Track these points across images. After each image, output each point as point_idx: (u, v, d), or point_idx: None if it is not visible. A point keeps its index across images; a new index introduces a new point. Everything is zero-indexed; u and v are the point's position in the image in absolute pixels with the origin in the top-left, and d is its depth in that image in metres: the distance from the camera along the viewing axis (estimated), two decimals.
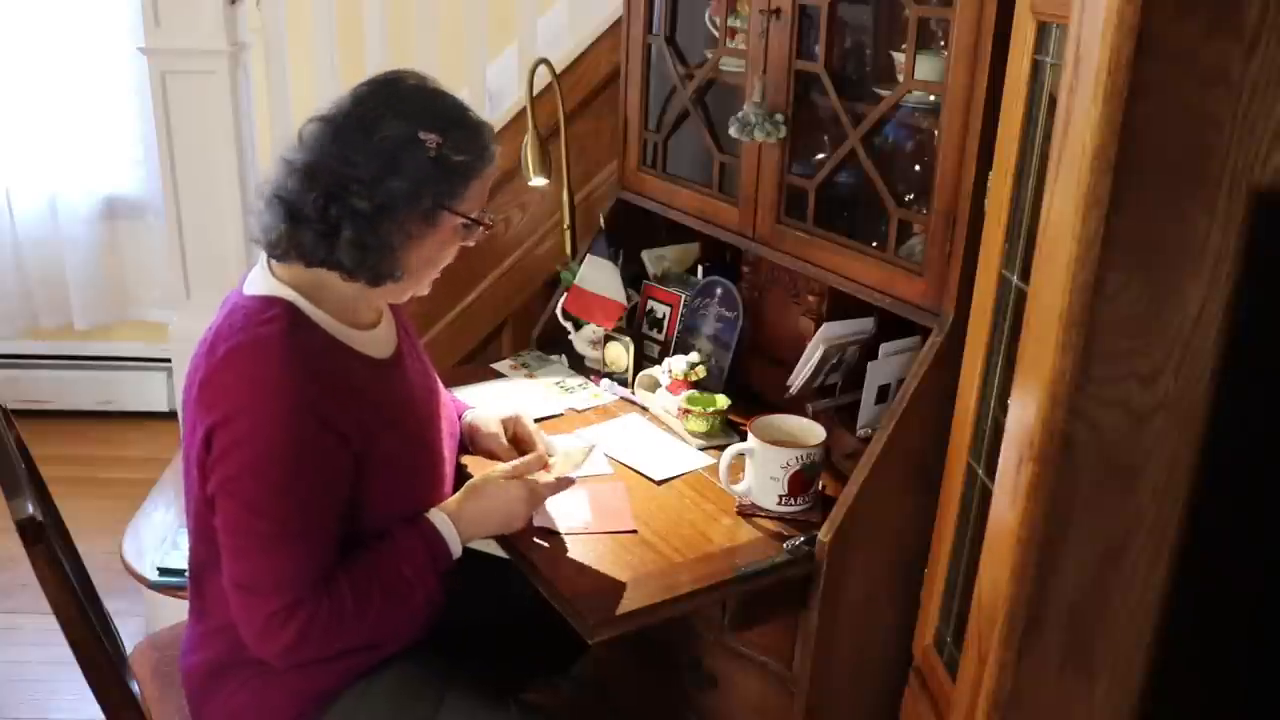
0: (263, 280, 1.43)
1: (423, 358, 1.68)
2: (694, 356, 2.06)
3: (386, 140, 1.37)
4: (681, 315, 2.20)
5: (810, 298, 1.98)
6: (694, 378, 2.04)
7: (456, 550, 1.50)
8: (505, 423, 1.77)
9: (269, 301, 1.40)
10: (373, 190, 1.36)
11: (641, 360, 2.21)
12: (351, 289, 1.44)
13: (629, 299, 2.20)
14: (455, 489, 1.60)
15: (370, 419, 1.41)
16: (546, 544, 1.62)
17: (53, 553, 1.38)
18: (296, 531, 1.34)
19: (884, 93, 1.72)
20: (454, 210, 1.43)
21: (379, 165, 1.36)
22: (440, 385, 1.70)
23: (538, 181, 2.33)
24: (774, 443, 1.69)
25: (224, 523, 1.36)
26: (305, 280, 1.43)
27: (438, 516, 1.49)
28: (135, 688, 1.57)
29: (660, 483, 1.82)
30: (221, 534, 1.37)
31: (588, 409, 2.09)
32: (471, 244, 1.53)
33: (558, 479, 1.61)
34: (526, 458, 1.63)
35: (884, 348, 1.81)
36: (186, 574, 1.55)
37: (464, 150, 1.42)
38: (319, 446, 1.34)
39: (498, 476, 1.56)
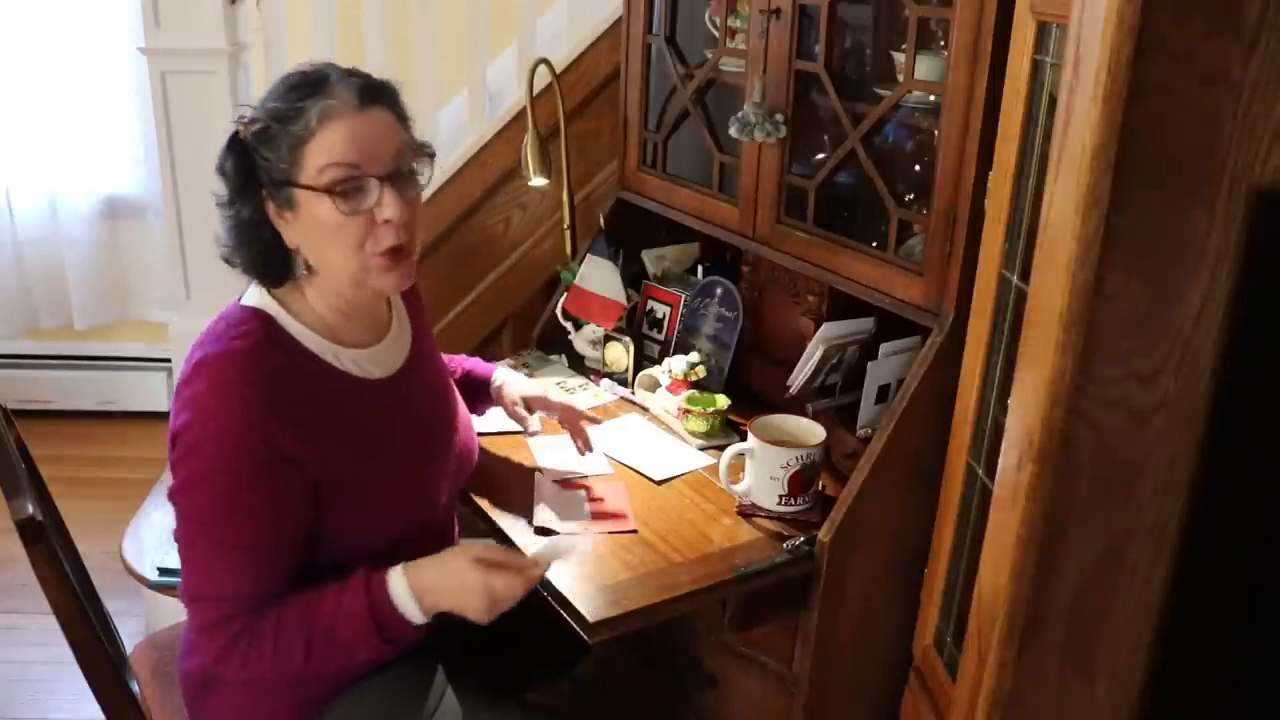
0: (256, 291, 1.41)
1: (439, 370, 1.62)
2: (694, 356, 2.06)
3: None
4: (681, 315, 2.20)
5: (810, 298, 1.98)
6: (694, 378, 2.04)
7: (415, 618, 1.37)
8: (529, 400, 1.82)
9: (249, 314, 1.38)
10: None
11: (641, 360, 2.21)
12: (324, 302, 1.40)
13: (629, 299, 2.20)
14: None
15: (339, 443, 1.37)
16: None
17: (53, 553, 1.38)
18: (237, 549, 1.32)
19: (884, 93, 1.72)
20: (297, 184, 1.31)
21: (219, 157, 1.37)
22: (459, 403, 1.63)
23: (538, 181, 2.33)
24: (774, 443, 1.69)
25: (177, 530, 1.36)
26: (291, 293, 1.40)
27: (398, 583, 1.36)
28: (135, 688, 1.57)
29: (660, 483, 1.82)
30: (176, 539, 1.37)
31: (588, 409, 2.08)
32: (384, 213, 1.33)
33: (526, 579, 1.39)
34: (518, 561, 1.43)
35: (884, 348, 1.81)
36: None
37: (263, 119, 1.32)
38: (267, 469, 1.30)
39: (467, 558, 1.38)
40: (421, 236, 1.44)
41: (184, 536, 1.35)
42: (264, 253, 1.37)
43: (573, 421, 1.84)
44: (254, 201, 1.35)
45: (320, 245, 1.36)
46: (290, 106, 1.31)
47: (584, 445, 1.84)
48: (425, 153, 1.42)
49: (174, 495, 1.34)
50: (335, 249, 1.35)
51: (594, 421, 1.88)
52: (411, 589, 1.36)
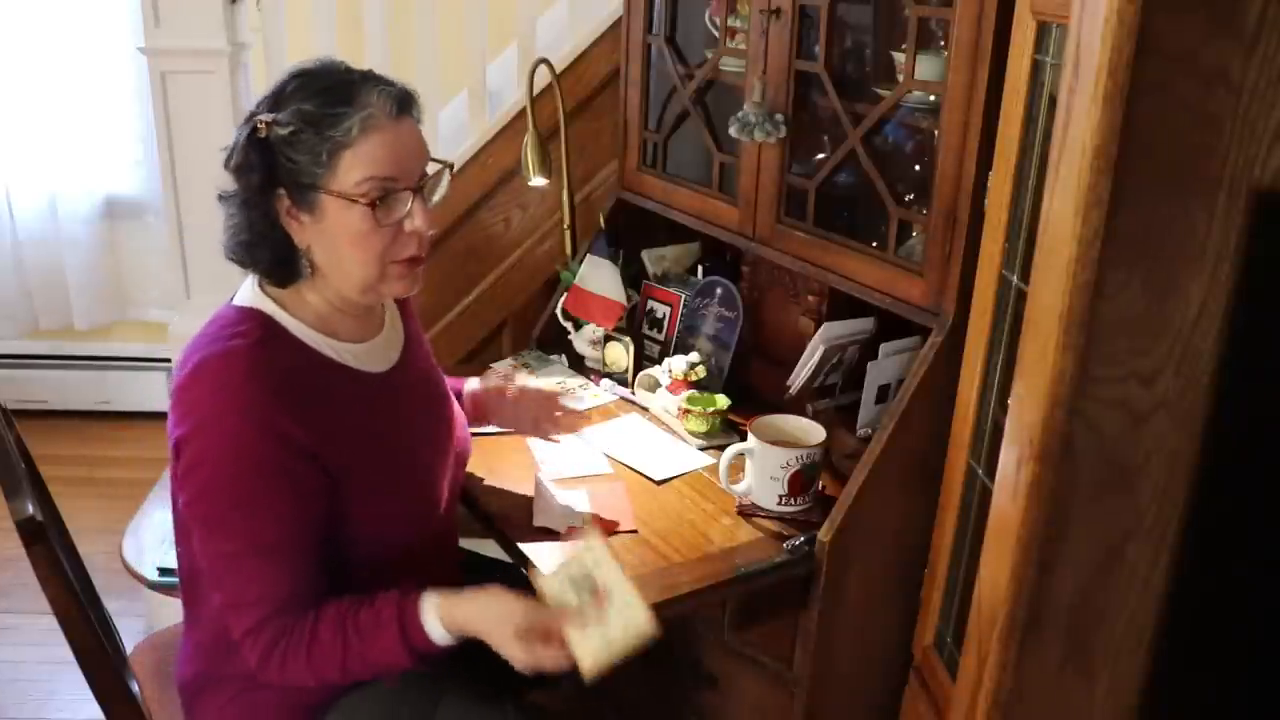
0: (249, 291, 1.41)
1: (432, 369, 1.62)
2: (694, 356, 2.06)
3: (241, 128, 1.35)
4: (681, 315, 2.20)
5: (810, 298, 1.98)
6: (694, 378, 2.04)
7: (444, 643, 1.37)
8: (487, 393, 1.77)
9: (245, 313, 1.38)
10: (230, 179, 1.36)
11: (641, 360, 2.21)
12: (323, 299, 1.41)
13: (629, 299, 2.20)
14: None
15: (348, 436, 1.37)
16: (547, 544, 1.61)
17: (53, 553, 1.38)
18: (263, 550, 1.31)
19: (884, 93, 1.72)
20: (328, 190, 1.31)
21: (229, 153, 1.36)
22: (453, 401, 1.64)
23: (538, 181, 2.33)
24: (774, 443, 1.69)
25: (199, 548, 1.35)
26: (286, 291, 1.40)
27: (430, 617, 1.35)
28: (135, 688, 1.57)
29: (660, 483, 1.82)
30: (200, 559, 1.36)
31: (588, 409, 2.08)
32: (414, 224, 1.36)
33: (560, 618, 1.35)
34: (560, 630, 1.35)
35: (884, 348, 1.81)
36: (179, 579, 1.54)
37: (294, 123, 1.30)
38: (282, 465, 1.30)
39: (511, 629, 1.32)
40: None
41: (209, 547, 1.34)
42: (277, 253, 1.37)
43: (549, 407, 1.78)
44: (268, 201, 1.34)
45: (339, 250, 1.36)
46: (326, 112, 1.30)
47: (572, 422, 1.79)
48: (442, 166, 1.43)
49: (190, 507, 1.32)
50: (357, 255, 1.36)
51: (562, 394, 1.81)
52: (447, 629, 1.35)
